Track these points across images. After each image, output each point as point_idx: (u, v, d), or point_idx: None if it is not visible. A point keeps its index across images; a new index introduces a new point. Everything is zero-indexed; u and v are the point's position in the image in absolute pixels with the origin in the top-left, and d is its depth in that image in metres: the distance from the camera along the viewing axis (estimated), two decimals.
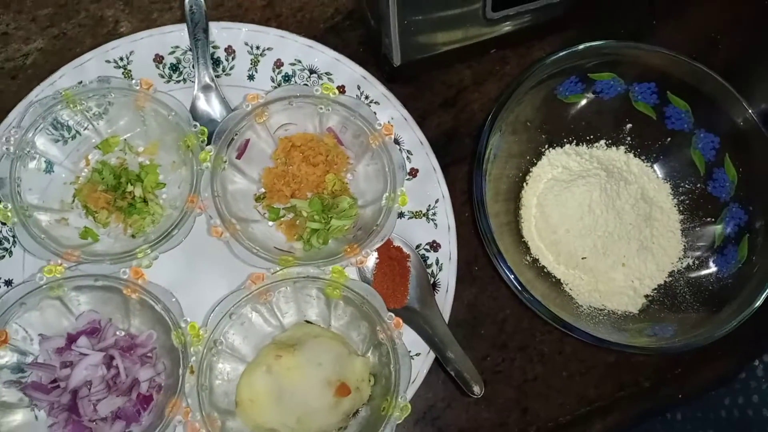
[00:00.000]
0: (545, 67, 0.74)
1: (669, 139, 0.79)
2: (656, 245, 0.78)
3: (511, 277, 0.68)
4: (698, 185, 0.78)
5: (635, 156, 0.81)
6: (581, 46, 0.74)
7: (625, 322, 0.75)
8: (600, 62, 0.76)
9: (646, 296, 0.77)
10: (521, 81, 0.71)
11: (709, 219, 0.77)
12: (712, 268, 0.76)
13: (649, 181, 0.80)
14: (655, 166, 0.80)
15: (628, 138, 0.81)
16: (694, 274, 0.77)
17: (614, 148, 0.81)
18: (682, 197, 0.79)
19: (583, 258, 0.76)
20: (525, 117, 0.78)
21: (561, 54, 0.73)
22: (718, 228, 0.77)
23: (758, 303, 0.69)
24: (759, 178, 0.74)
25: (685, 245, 0.78)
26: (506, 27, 0.80)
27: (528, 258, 0.78)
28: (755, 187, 0.74)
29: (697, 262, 0.77)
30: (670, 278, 0.77)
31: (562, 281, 0.78)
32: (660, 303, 0.76)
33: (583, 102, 0.79)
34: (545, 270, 0.78)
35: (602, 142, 0.81)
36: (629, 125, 0.80)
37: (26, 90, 0.77)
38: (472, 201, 0.73)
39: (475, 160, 0.70)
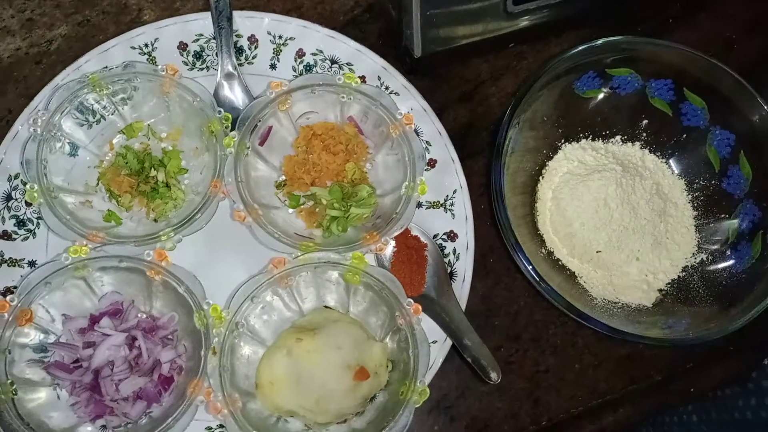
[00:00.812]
0: (563, 61, 0.75)
1: (684, 135, 0.80)
2: (670, 240, 0.79)
3: (529, 267, 0.69)
4: (713, 182, 0.79)
5: (651, 152, 0.82)
6: (599, 41, 0.75)
7: (639, 315, 0.76)
8: (617, 58, 0.77)
9: (660, 290, 0.78)
10: (540, 75, 0.72)
11: (723, 215, 0.78)
12: (726, 264, 0.77)
13: (664, 177, 0.81)
14: (671, 162, 0.81)
15: (644, 134, 0.82)
16: (707, 270, 0.78)
17: (630, 144, 0.82)
18: (696, 193, 0.80)
19: (597, 252, 0.77)
20: (542, 111, 0.79)
21: (580, 48, 0.75)
22: (732, 224, 0.77)
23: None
24: None
25: (698, 241, 0.79)
26: (525, 22, 0.81)
27: (543, 251, 0.79)
28: None
29: (710, 257, 0.78)
30: (684, 273, 0.78)
31: (576, 274, 0.79)
32: (674, 297, 0.77)
33: (600, 97, 0.80)
34: (560, 263, 0.79)
35: (618, 137, 0.82)
36: (645, 121, 0.81)
37: (50, 75, 0.79)
38: (490, 192, 0.74)
39: (495, 152, 0.72)
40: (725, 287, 0.76)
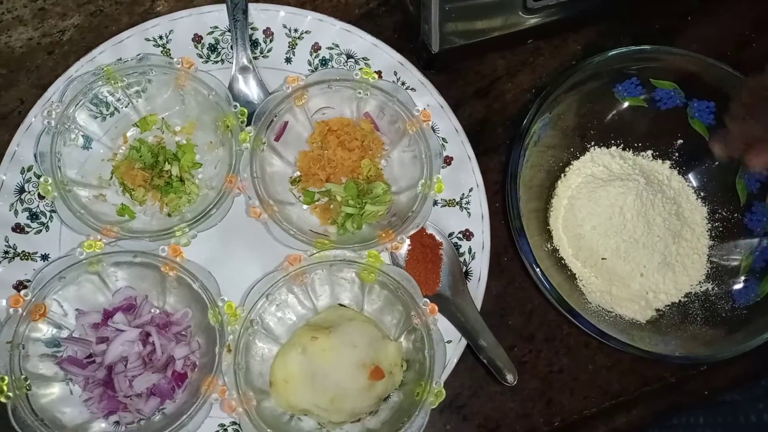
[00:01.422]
0: (600, 63, 0.74)
1: (717, 163, 0.78)
2: (679, 264, 0.77)
3: (527, 252, 0.68)
4: (735, 215, 0.77)
5: (679, 173, 0.80)
6: (649, 48, 0.74)
7: (630, 329, 0.75)
8: (660, 68, 0.76)
9: (657, 310, 0.77)
10: (575, 71, 0.72)
11: (738, 250, 0.77)
12: (731, 298, 0.75)
13: (687, 201, 0.79)
14: (697, 187, 0.79)
15: (676, 154, 0.80)
16: (710, 299, 0.76)
17: (660, 161, 0.80)
18: (716, 223, 0.79)
19: (603, 258, 0.76)
20: (576, 110, 0.78)
21: (619, 51, 0.74)
22: (746, 261, 0.76)
23: (762, 340, 0.69)
24: None
25: (708, 270, 0.78)
26: (544, 17, 0.80)
27: (548, 246, 0.78)
28: None
29: (716, 288, 0.77)
30: (686, 299, 0.77)
31: (577, 276, 0.78)
32: (669, 319, 0.76)
33: (640, 106, 0.79)
34: (563, 261, 0.78)
35: (649, 152, 0.81)
36: (680, 141, 0.79)
37: (63, 66, 0.78)
38: (505, 178, 0.73)
39: (517, 136, 0.71)
40: (723, 319, 0.75)
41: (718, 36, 0.89)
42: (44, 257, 0.72)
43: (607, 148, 0.80)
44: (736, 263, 0.77)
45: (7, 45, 0.81)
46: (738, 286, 0.76)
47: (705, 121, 0.78)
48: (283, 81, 0.72)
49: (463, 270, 0.75)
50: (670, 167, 0.80)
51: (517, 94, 0.86)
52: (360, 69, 0.74)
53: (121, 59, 0.74)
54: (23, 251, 0.72)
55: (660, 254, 0.76)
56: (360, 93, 0.73)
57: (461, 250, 0.76)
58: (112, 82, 0.71)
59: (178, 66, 0.71)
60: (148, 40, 0.76)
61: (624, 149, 0.81)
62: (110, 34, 0.78)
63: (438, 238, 0.75)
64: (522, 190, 0.71)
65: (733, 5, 0.91)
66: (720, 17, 0.91)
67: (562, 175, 0.80)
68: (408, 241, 0.73)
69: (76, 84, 0.70)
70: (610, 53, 0.74)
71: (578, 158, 0.80)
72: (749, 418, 0.85)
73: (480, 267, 0.75)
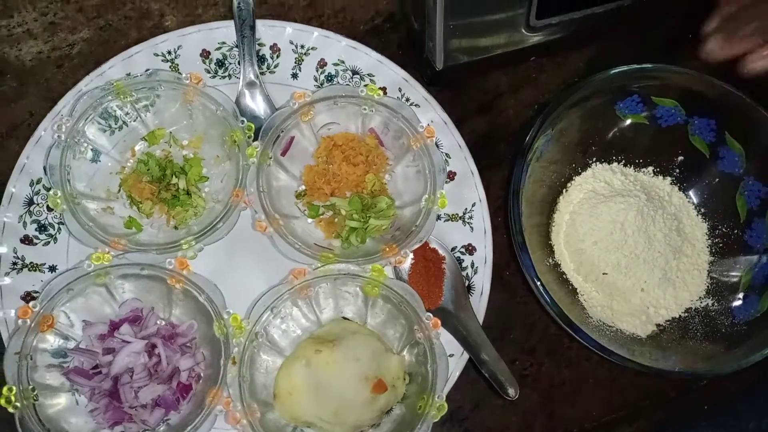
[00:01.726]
0: (602, 81, 0.75)
1: (717, 180, 0.79)
2: (680, 279, 0.78)
3: (529, 265, 0.68)
4: (735, 231, 0.78)
5: (680, 189, 0.81)
6: (650, 66, 0.75)
7: (630, 343, 0.75)
8: (662, 85, 0.77)
9: (658, 325, 0.77)
10: (578, 88, 0.73)
11: (738, 266, 0.78)
12: (731, 313, 0.76)
13: (687, 217, 0.80)
14: (698, 203, 0.80)
15: (677, 170, 0.81)
16: (710, 315, 0.77)
17: (661, 177, 0.81)
18: (716, 239, 0.79)
19: (604, 273, 0.77)
20: (578, 126, 0.79)
21: (623, 70, 0.75)
22: (746, 276, 0.77)
23: (762, 355, 0.69)
24: None
25: (708, 286, 0.78)
26: (547, 35, 0.81)
27: (550, 261, 0.79)
28: None
29: (716, 304, 0.77)
30: (686, 314, 0.78)
31: (578, 291, 0.78)
32: (669, 334, 0.77)
33: (641, 123, 0.80)
34: (564, 276, 0.79)
35: (650, 168, 0.81)
36: (681, 157, 0.80)
37: (72, 79, 0.79)
38: (507, 193, 0.73)
39: (521, 151, 0.72)
40: (724, 334, 0.75)
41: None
42: (52, 269, 0.73)
43: (609, 164, 0.81)
44: (736, 279, 0.78)
45: (17, 58, 0.82)
46: (738, 302, 0.76)
47: (706, 139, 0.79)
48: (290, 97, 0.73)
49: (466, 284, 0.76)
50: (671, 183, 0.81)
51: (520, 110, 0.87)
52: (365, 85, 0.75)
53: (130, 74, 0.76)
54: (31, 263, 0.73)
55: (660, 270, 0.77)
56: (365, 109, 0.74)
57: (464, 265, 0.77)
58: (122, 96, 0.72)
59: (187, 81, 0.72)
60: (156, 55, 0.78)
61: (625, 165, 0.82)
62: (119, 48, 0.80)
63: (441, 252, 0.75)
64: (524, 205, 0.72)
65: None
66: None
67: (564, 190, 0.81)
68: (411, 255, 0.74)
69: (86, 99, 0.71)
70: (612, 72, 0.75)
71: (580, 174, 0.81)
72: (747, 426, 0.86)
73: (482, 281, 0.76)
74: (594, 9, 0.79)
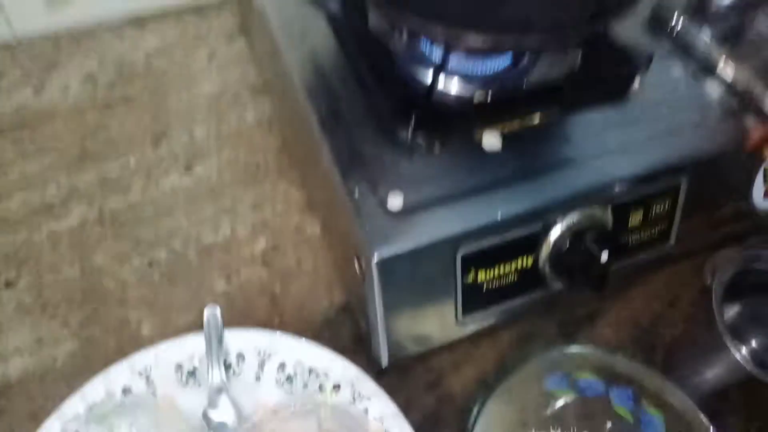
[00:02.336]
0: (529, 366, 0.86)
1: None
2: None
3: None
4: None
5: None
6: (556, 352, 0.87)
7: None
8: (579, 363, 0.87)
9: None
10: (494, 387, 0.83)
11: None
12: None
13: None
14: None
15: None
16: None
17: None
18: None
19: None
20: (514, 406, 0.86)
21: (540, 355, 0.87)
22: None
23: None
24: None
25: None
26: (479, 324, 0.94)
27: None
28: None
29: None
30: None
31: None
32: None
33: (569, 398, 0.87)
34: None
35: None
36: (609, 424, 0.85)
37: (54, 398, 0.86)
38: None
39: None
40: None
41: (635, 315, 1.03)
42: None
43: None
44: None
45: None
46: None
47: (626, 407, 0.88)
48: (252, 410, 0.82)
49: None
50: None
51: (465, 384, 0.96)
52: (320, 389, 0.84)
53: (107, 394, 0.84)
54: None
55: None
56: (321, 413, 0.83)
57: None
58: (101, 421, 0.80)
59: (160, 403, 0.81)
60: (133, 372, 0.87)
61: None
62: (99, 357, 0.89)
63: None
64: None
65: (647, 286, 1.06)
66: (635, 297, 1.06)
67: None
68: None
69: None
70: (529, 362, 0.86)
71: None
72: None
73: None
74: (514, 301, 0.93)
